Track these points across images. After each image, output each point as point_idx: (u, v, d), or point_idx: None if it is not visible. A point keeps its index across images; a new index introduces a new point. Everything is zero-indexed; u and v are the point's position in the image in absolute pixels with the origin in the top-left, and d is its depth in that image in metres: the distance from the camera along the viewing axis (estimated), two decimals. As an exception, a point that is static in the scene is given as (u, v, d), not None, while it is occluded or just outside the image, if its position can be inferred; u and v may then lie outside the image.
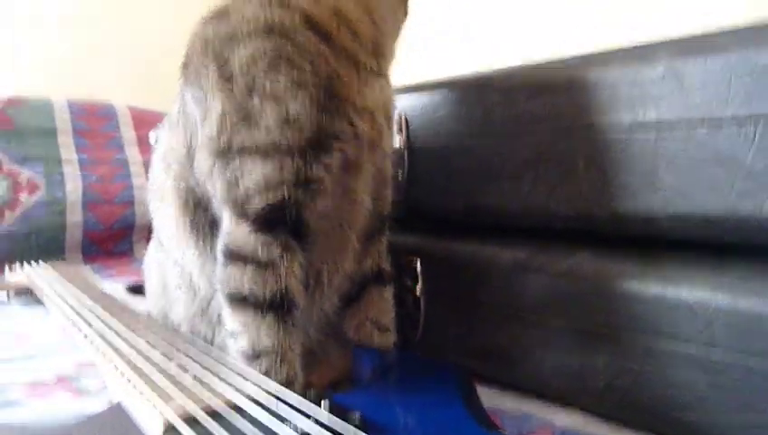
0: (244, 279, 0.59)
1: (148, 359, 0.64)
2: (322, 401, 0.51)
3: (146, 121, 1.80)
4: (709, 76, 0.54)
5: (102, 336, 0.73)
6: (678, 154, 0.56)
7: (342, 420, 0.47)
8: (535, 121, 0.68)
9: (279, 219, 0.60)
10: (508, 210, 0.72)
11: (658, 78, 0.57)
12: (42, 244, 1.53)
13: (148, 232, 1.69)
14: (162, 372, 0.60)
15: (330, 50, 0.62)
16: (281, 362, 0.59)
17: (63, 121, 1.69)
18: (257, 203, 0.60)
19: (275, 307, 0.59)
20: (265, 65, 0.60)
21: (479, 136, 0.74)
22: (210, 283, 0.68)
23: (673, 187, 0.57)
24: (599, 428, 0.66)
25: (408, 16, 0.74)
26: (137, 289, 1.16)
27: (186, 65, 0.67)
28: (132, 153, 1.74)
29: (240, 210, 0.61)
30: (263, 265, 0.59)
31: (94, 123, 1.75)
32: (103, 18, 1.96)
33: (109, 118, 1.78)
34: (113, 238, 1.64)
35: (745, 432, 0.56)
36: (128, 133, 1.78)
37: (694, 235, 0.58)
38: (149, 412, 0.52)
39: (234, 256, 0.61)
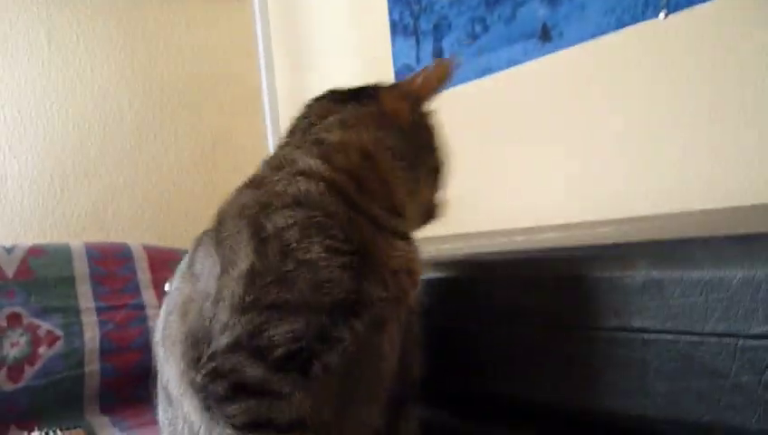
0: (262, 409, 0.63)
1: None
2: None
3: (161, 261, 1.84)
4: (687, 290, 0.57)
5: None
6: (665, 363, 0.58)
7: None
8: (529, 314, 0.70)
9: (292, 365, 0.63)
10: (510, 397, 0.74)
11: (639, 287, 0.60)
12: (60, 397, 1.55)
13: (163, 376, 1.72)
14: None
15: (358, 215, 0.66)
16: None
17: (81, 268, 1.74)
18: (278, 352, 0.62)
19: (295, 430, 0.63)
20: (299, 233, 0.64)
21: (480, 321, 0.77)
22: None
23: (662, 393, 0.59)
24: None
25: (443, 165, 0.78)
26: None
27: (218, 225, 0.72)
28: (148, 296, 1.78)
29: (258, 356, 0.63)
30: (281, 397, 0.62)
31: (111, 267, 1.80)
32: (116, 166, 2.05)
33: (125, 260, 1.83)
34: (130, 385, 1.66)
35: None
36: (144, 275, 1.82)
37: (688, 439, 0.59)
38: None
39: (243, 391, 0.63)
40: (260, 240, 0.65)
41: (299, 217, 0.65)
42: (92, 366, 1.60)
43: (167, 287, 1.59)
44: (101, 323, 1.67)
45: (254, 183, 0.72)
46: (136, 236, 1.97)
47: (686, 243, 0.60)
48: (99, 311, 1.69)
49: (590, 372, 0.64)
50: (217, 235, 0.72)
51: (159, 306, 1.76)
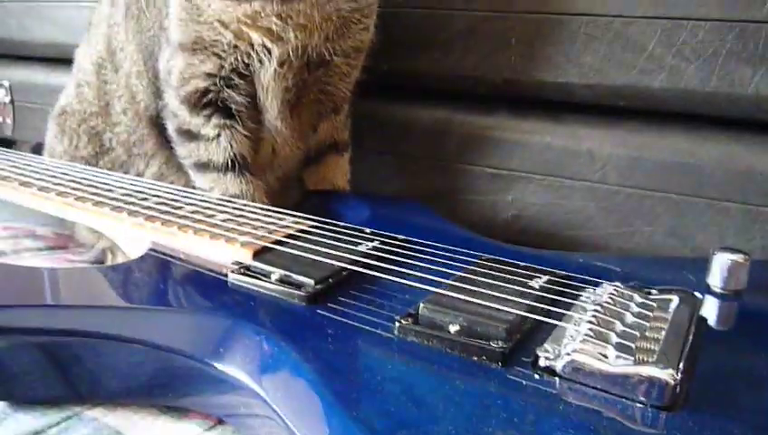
0: (201, 151, 0.73)
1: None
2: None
3: None
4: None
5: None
6: (598, 38, 0.75)
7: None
8: (471, 3, 0.81)
9: (205, 104, 0.71)
10: (436, 76, 0.86)
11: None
12: None
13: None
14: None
15: None
16: (251, 201, 0.72)
17: None
18: (187, 90, 0.70)
19: (231, 168, 0.73)
20: None
21: (413, 5, 0.85)
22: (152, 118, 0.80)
23: (590, 63, 0.76)
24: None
25: None
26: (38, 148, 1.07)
27: None
28: None
29: (177, 95, 0.71)
30: (210, 139, 0.72)
31: None
32: None
33: None
34: None
35: (619, 239, 0.80)
36: None
37: (600, 101, 0.79)
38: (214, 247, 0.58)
39: (186, 135, 0.73)
40: None
41: None
42: None
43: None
44: None
45: None
46: None
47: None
48: None
49: (528, 49, 0.79)
50: None
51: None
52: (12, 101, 1.27)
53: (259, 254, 0.56)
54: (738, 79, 0.71)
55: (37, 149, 1.14)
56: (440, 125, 0.87)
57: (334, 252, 0.56)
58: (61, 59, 1.13)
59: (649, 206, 0.77)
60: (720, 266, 0.53)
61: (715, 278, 0.54)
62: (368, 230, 0.63)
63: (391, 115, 0.90)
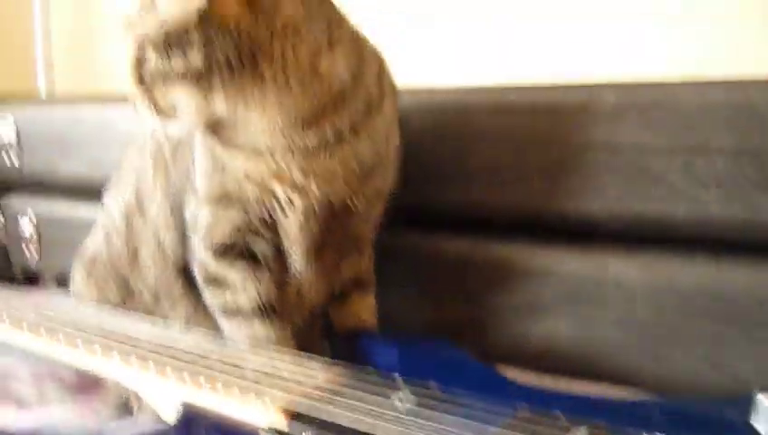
0: (228, 298, 0.73)
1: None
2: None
3: None
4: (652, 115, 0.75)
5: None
6: (618, 169, 0.77)
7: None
8: (494, 138, 0.83)
9: (231, 253, 0.72)
10: (458, 206, 0.87)
11: (610, 110, 0.77)
12: None
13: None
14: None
15: None
16: (278, 345, 0.72)
17: None
18: (215, 240, 0.72)
19: (258, 314, 0.73)
20: None
21: (436, 143, 0.87)
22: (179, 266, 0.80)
23: (615, 195, 0.77)
24: (539, 379, 0.84)
25: None
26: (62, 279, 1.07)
27: None
28: None
29: (204, 244, 0.73)
30: (237, 287, 0.72)
31: None
32: None
33: None
34: None
35: (651, 372, 0.78)
36: None
37: (625, 230, 0.79)
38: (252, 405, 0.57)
39: (213, 282, 0.74)
40: None
41: None
42: None
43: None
44: None
45: None
46: None
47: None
48: None
49: (550, 182, 0.80)
50: None
51: None
52: (39, 234, 1.29)
53: (292, 417, 0.55)
54: (760, 207, 0.71)
55: (60, 279, 1.15)
56: (464, 257, 0.87)
57: (366, 406, 0.55)
58: (86, 192, 1.16)
59: (683, 336, 0.75)
60: (765, 410, 0.51)
61: (761, 422, 0.51)
62: (398, 379, 0.62)
63: (415, 247, 0.91)
